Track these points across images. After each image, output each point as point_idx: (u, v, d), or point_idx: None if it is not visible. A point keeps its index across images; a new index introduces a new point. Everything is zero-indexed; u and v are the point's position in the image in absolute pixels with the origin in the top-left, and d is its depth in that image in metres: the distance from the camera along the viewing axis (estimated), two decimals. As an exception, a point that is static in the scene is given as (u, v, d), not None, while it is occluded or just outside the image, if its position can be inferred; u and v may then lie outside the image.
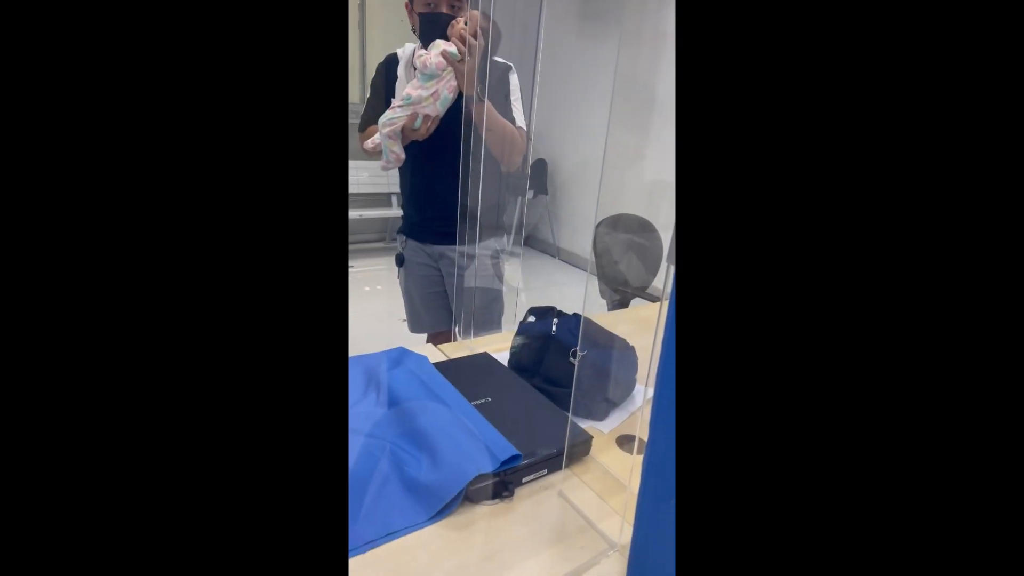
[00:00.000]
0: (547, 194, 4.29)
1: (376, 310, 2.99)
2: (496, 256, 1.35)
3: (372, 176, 3.78)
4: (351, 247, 3.93)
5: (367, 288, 3.35)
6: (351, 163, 3.72)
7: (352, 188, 3.73)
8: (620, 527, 0.62)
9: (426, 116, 1.08)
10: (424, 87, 1.05)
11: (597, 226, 1.93)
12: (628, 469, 0.72)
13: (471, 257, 1.29)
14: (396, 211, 3.84)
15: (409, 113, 1.07)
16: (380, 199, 3.93)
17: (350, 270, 3.54)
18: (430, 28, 1.07)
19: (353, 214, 3.66)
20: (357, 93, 3.70)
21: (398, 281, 1.45)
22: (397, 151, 1.11)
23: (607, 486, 0.70)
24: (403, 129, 1.10)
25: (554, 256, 4.34)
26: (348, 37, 0.30)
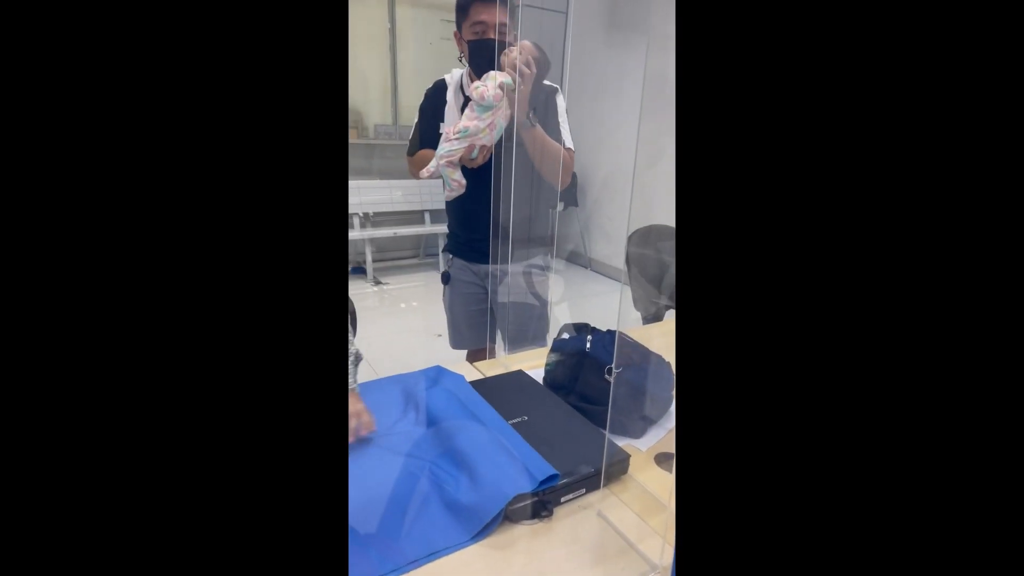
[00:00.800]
0: (577, 206, 4.29)
1: (413, 326, 3.04)
2: (533, 271, 1.37)
3: (406, 194, 3.86)
4: (386, 264, 4.01)
5: (403, 305, 3.41)
6: (386, 182, 3.81)
7: (386, 207, 3.82)
8: (661, 548, 0.61)
9: (482, 147, 1.11)
10: (480, 118, 1.08)
11: (629, 238, 1.92)
12: (667, 488, 0.72)
13: (510, 274, 1.31)
14: (430, 228, 3.90)
15: (467, 145, 1.10)
16: (414, 217, 4.00)
17: (385, 287, 3.61)
18: (479, 53, 1.13)
19: (387, 232, 3.74)
20: (389, 115, 3.80)
21: (442, 300, 1.47)
22: (458, 178, 1.14)
23: (646, 506, 0.69)
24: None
25: (586, 267, 4.32)
26: (348, 51, 0.32)
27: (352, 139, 3.68)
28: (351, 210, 3.66)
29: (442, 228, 3.88)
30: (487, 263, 1.35)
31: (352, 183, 3.68)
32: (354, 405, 0.78)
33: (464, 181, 1.15)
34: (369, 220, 3.80)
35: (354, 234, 3.63)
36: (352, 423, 0.75)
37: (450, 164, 1.12)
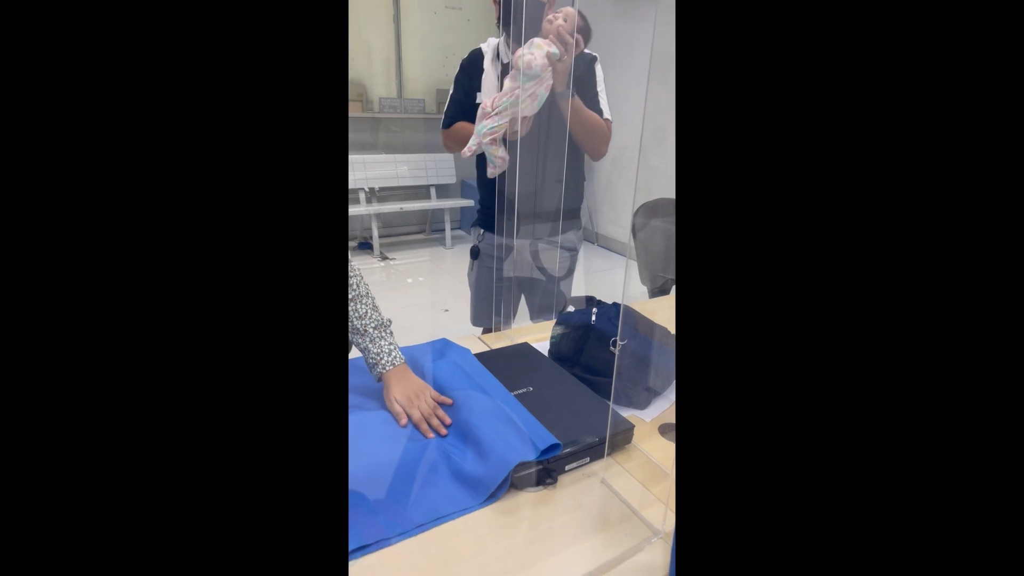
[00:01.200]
0: (585, 179, 4.25)
1: (419, 301, 3.06)
2: (562, 246, 1.37)
3: (412, 169, 3.83)
4: (393, 240, 4.01)
5: (409, 280, 3.42)
6: (391, 157, 3.78)
7: (392, 181, 3.80)
8: (664, 515, 0.63)
9: (524, 118, 1.08)
10: (523, 88, 1.05)
11: (635, 211, 1.90)
12: (670, 457, 0.73)
13: (542, 249, 1.31)
14: (436, 203, 3.88)
15: (508, 120, 1.07)
16: (420, 191, 3.98)
17: (392, 263, 3.62)
18: (505, 9, 1.10)
19: (394, 207, 3.73)
20: (394, 88, 3.75)
21: (467, 275, 1.47)
22: (501, 154, 1.11)
23: (650, 474, 0.70)
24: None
25: (593, 242, 4.30)
26: (348, 20, 0.32)
27: (356, 112, 3.63)
28: (356, 185, 3.65)
29: (448, 203, 3.86)
30: (520, 238, 1.35)
31: (357, 157, 3.65)
32: (426, 393, 0.78)
33: (507, 156, 1.12)
34: (375, 195, 3.78)
35: (360, 209, 3.62)
36: (431, 402, 0.76)
37: (493, 141, 1.09)
